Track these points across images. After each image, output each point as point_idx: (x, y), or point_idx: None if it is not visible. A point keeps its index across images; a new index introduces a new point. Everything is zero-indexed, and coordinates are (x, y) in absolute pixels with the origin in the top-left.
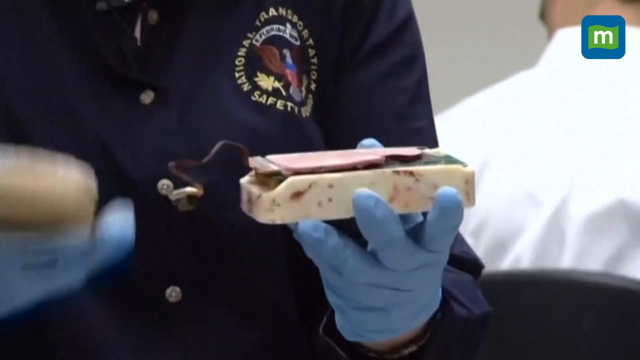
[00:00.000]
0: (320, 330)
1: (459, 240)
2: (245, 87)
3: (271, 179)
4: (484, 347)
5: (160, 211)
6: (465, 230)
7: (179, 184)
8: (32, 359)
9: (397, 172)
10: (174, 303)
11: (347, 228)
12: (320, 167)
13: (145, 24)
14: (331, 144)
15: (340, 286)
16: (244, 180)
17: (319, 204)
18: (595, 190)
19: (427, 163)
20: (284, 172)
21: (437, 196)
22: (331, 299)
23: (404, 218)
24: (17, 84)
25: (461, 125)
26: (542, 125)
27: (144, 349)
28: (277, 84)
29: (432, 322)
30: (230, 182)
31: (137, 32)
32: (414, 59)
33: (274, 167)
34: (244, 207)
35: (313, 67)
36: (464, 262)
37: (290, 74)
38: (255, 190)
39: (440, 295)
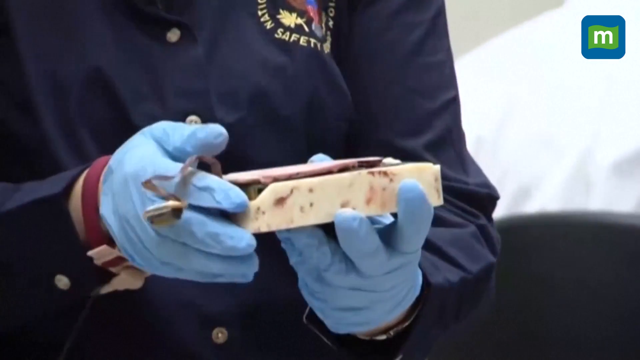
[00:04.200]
0: (304, 319)
1: (474, 169)
2: (269, 25)
3: (249, 188)
4: (491, 296)
5: None
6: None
7: (206, 119)
8: None
9: (372, 173)
10: None
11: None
12: (297, 173)
13: None
14: (348, 85)
15: (320, 291)
16: None
17: (301, 209)
18: (621, 137)
19: (391, 165)
20: (263, 180)
21: (399, 190)
22: (310, 302)
23: (372, 219)
24: (34, 19)
25: (484, 70)
26: (564, 71)
27: None
28: (299, 20)
29: (416, 304)
30: (257, 119)
31: None
32: None
33: (252, 177)
34: None
35: (331, 3)
36: (478, 197)
37: (312, 10)
38: None
39: (420, 280)
